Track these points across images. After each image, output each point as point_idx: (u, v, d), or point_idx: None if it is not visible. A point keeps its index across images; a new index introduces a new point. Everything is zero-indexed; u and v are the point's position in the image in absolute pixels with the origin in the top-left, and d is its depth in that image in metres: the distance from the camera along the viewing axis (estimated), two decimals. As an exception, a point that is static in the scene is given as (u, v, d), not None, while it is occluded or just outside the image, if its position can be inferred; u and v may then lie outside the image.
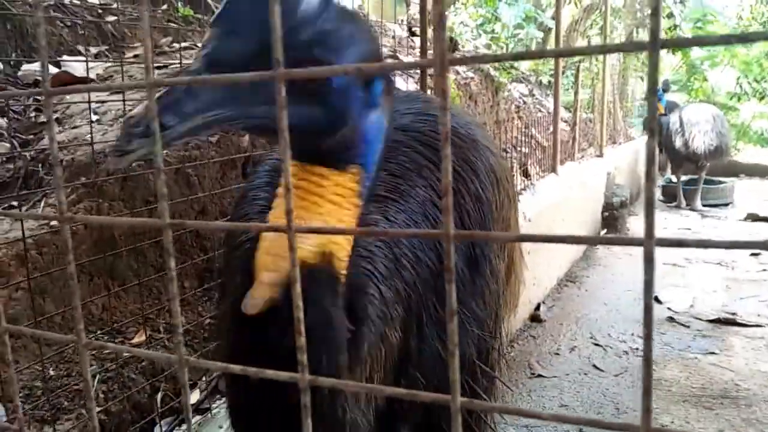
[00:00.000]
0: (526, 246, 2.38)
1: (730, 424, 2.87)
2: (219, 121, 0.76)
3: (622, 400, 3.11)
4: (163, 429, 2.26)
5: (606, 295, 4.61)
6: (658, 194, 8.58)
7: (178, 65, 3.49)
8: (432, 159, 1.34)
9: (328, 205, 0.91)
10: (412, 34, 7.53)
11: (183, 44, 4.74)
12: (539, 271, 4.14)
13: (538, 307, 4.27)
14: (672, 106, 8.11)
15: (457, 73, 6.57)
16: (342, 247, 0.91)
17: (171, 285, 0.49)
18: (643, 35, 10.71)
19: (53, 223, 2.97)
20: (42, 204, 3.04)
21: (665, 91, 8.17)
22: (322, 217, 0.90)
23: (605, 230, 6.17)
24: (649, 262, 0.38)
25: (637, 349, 3.69)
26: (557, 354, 3.65)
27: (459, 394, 0.40)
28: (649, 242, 0.37)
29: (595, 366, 3.47)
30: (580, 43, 10.35)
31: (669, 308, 4.29)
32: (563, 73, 9.85)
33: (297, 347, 0.44)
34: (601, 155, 6.73)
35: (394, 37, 6.73)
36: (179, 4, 5.21)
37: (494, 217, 1.47)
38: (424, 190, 1.30)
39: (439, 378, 1.26)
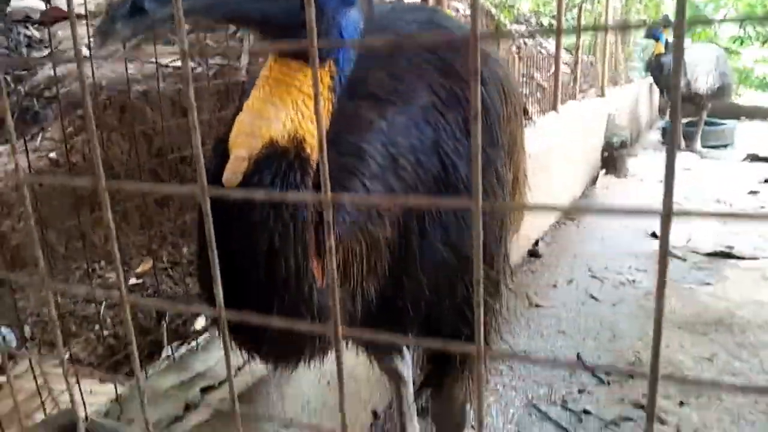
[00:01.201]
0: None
1: (723, 347, 2.94)
2: (196, 9, 0.77)
3: (618, 327, 3.17)
4: (171, 351, 2.30)
5: (604, 231, 4.64)
6: (657, 136, 8.55)
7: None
8: (437, 65, 1.32)
9: (304, 96, 0.92)
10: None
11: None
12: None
13: (536, 243, 4.31)
14: (672, 47, 7.97)
15: (457, 11, 6.43)
16: (312, 136, 0.92)
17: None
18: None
19: (53, 156, 2.96)
20: (39, 138, 3.02)
21: (665, 27, 7.99)
22: (297, 107, 0.91)
23: (604, 170, 6.16)
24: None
25: (633, 281, 3.75)
26: (555, 286, 3.70)
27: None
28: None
29: (592, 296, 3.53)
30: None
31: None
32: (564, 15, 9.64)
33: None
34: (602, 95, 6.66)
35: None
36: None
37: (501, 128, 1.46)
38: (427, 95, 1.29)
39: (440, 276, 1.27)
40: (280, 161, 0.88)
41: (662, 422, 2.38)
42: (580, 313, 3.35)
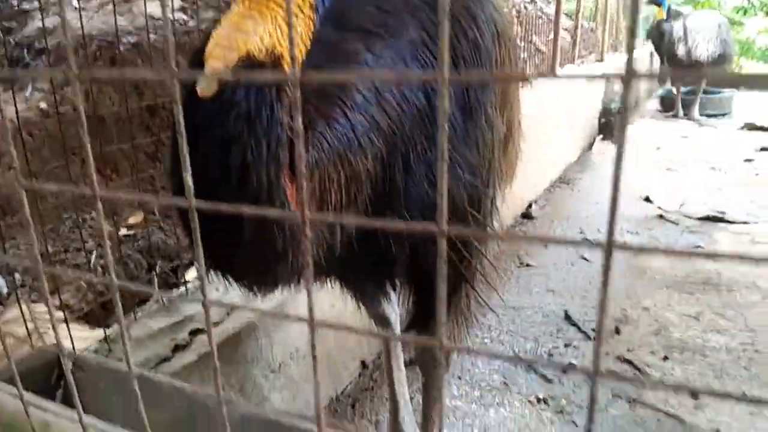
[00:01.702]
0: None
1: (709, 306, 2.97)
2: None
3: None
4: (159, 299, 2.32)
5: (597, 195, 4.65)
6: (656, 104, 8.50)
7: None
8: (428, 1, 1.30)
9: (283, 12, 0.90)
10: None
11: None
12: (532, 171, 4.16)
13: (530, 206, 4.32)
14: (675, 14, 7.85)
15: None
16: (287, 52, 0.91)
17: None
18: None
19: (42, 106, 2.94)
20: (29, 88, 2.99)
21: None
22: (276, 23, 0.89)
23: (601, 136, 6.14)
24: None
25: (624, 242, 3.77)
26: (546, 247, 3.72)
27: (445, 222, 0.41)
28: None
29: (582, 257, 3.56)
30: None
31: (659, 207, 4.35)
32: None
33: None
34: (601, 60, 6.60)
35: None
36: None
37: (493, 71, 1.44)
38: (416, 31, 1.27)
39: (426, 216, 1.27)
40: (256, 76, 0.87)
41: (643, 374, 2.42)
42: (569, 273, 3.38)
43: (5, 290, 2.30)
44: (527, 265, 3.46)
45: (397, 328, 2.00)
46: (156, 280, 2.42)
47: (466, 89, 1.36)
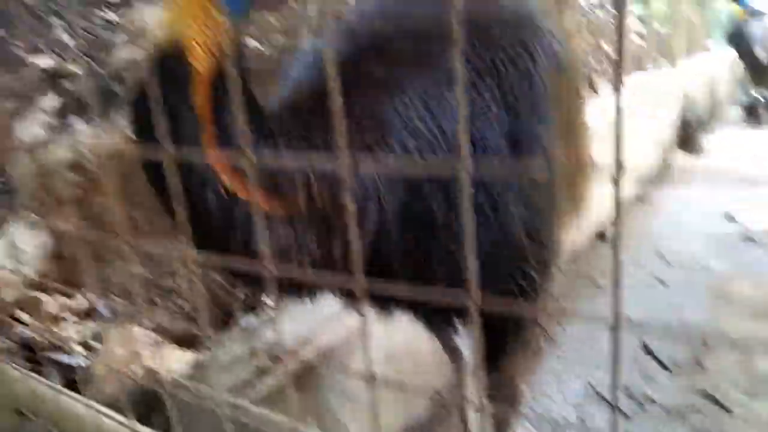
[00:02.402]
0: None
1: (800, 338, 2.83)
2: None
3: (686, 313, 3.09)
4: (244, 324, 2.43)
5: (677, 213, 4.49)
6: (738, 112, 8.09)
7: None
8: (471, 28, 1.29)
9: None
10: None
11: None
12: (605, 190, 4.06)
13: (604, 225, 4.22)
14: (757, 13, 7.43)
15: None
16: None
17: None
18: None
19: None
20: (120, 120, 3.20)
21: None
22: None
23: (677, 147, 5.92)
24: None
25: (704, 265, 3.63)
26: (620, 267, 3.63)
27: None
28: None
29: (659, 279, 3.45)
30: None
31: (745, 228, 4.15)
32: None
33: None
34: (675, 67, 6.36)
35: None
36: None
37: (552, 106, 1.41)
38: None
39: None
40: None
41: (728, 412, 2.33)
42: (645, 297, 3.29)
43: (105, 313, 2.48)
44: (600, 287, 3.39)
45: (469, 362, 2.02)
46: (239, 304, 2.54)
47: (515, 118, 1.32)
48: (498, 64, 1.27)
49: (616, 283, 0.41)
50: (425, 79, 1.21)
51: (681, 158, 5.90)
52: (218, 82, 1.02)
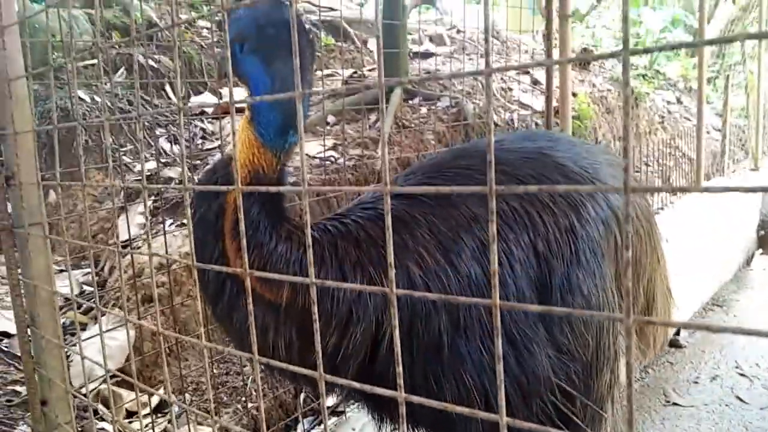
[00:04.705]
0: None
1: None
2: None
3: (768, 437, 2.90)
4: (305, 426, 2.52)
5: (757, 321, 4.27)
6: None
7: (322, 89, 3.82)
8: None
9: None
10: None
11: (325, 71, 5.16)
12: (680, 293, 3.95)
13: (678, 332, 4.07)
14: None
15: (593, 86, 6.42)
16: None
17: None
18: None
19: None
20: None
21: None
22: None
23: (760, 250, 5.66)
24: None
25: (790, 382, 3.41)
26: (696, 382, 3.47)
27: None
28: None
29: (738, 397, 3.26)
30: (737, 45, 9.53)
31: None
32: (716, 78, 9.13)
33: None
34: (756, 168, 6.19)
35: (525, 51, 6.73)
36: (321, 33, 5.65)
37: (600, 255, 1.44)
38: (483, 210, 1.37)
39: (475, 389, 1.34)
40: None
41: None
42: (723, 416, 3.11)
43: (176, 410, 2.64)
44: (674, 404, 3.24)
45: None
46: (301, 406, 2.64)
47: (547, 267, 1.38)
48: (531, 212, 1.38)
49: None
50: (449, 222, 1.37)
51: (763, 260, 5.63)
52: (251, 194, 1.29)
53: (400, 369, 0.62)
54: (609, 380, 1.50)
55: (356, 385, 0.67)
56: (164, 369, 1.01)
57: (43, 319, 1.31)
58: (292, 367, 0.79)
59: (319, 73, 5.10)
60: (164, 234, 2.54)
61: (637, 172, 5.30)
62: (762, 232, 5.66)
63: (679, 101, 8.77)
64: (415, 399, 0.60)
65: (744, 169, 6.20)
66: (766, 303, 4.63)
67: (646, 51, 0.51)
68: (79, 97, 4.15)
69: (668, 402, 3.27)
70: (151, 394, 2.47)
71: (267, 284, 1.30)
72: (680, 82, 9.22)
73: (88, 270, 3.49)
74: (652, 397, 3.29)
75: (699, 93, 4.94)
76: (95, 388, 2.48)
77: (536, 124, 4.68)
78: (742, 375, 3.53)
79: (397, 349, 0.63)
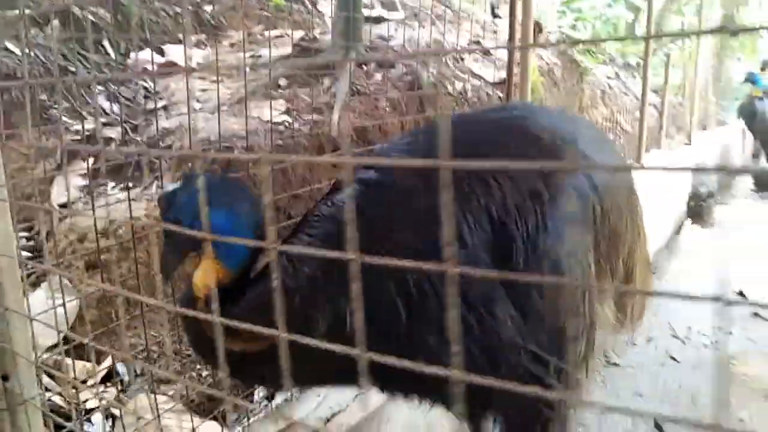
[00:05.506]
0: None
1: (813, 423, 2.83)
2: None
3: (699, 392, 3.11)
4: (260, 395, 2.49)
5: (688, 286, 4.53)
6: (749, 183, 8.18)
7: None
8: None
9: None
10: (495, 16, 7.50)
11: (273, 32, 4.99)
12: (618, 260, 4.13)
13: (615, 297, 4.27)
14: (769, 93, 7.65)
15: (541, 58, 6.51)
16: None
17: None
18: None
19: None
20: (154, 186, 3.36)
21: (762, 70, 7.69)
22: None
23: (690, 220, 6.00)
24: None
25: (716, 342, 3.65)
26: (634, 344, 3.66)
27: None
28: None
29: (672, 357, 3.48)
30: (674, 22, 9.89)
31: (756, 304, 4.17)
32: (653, 54, 9.44)
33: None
34: (689, 143, 6.51)
35: (476, 21, 6.74)
36: (271, -7, 5.45)
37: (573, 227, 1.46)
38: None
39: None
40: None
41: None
42: (658, 375, 3.31)
43: (126, 378, 2.56)
44: (614, 365, 3.42)
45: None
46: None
47: (505, 232, 1.37)
48: (488, 180, 1.36)
49: None
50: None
51: (692, 230, 5.96)
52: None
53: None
54: (584, 348, 1.51)
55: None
56: (122, 328, 0.96)
57: (5, 287, 1.22)
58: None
59: (267, 33, 4.94)
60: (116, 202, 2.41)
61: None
62: (692, 203, 5.99)
63: (618, 76, 9.04)
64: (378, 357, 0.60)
65: (679, 143, 6.50)
66: (694, 269, 4.92)
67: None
68: (7, 48, 3.85)
69: (609, 363, 3.44)
70: (105, 358, 2.38)
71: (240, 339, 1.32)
72: (618, 57, 9.50)
73: (23, 234, 3.30)
74: (594, 358, 3.45)
75: (644, 72, 5.10)
76: (48, 357, 2.37)
77: (487, 94, 4.71)
78: (674, 337, 3.76)
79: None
